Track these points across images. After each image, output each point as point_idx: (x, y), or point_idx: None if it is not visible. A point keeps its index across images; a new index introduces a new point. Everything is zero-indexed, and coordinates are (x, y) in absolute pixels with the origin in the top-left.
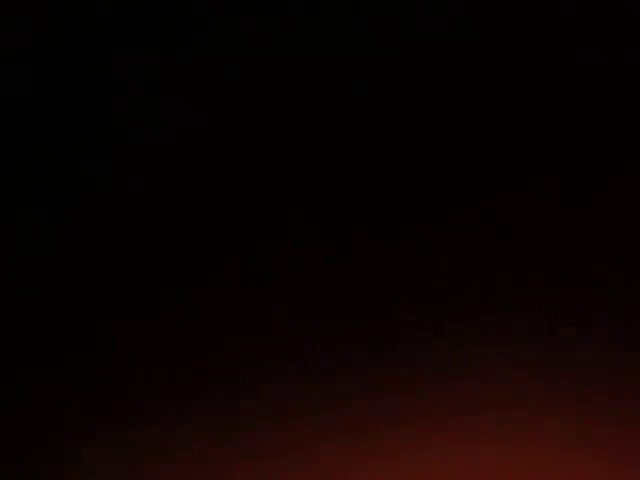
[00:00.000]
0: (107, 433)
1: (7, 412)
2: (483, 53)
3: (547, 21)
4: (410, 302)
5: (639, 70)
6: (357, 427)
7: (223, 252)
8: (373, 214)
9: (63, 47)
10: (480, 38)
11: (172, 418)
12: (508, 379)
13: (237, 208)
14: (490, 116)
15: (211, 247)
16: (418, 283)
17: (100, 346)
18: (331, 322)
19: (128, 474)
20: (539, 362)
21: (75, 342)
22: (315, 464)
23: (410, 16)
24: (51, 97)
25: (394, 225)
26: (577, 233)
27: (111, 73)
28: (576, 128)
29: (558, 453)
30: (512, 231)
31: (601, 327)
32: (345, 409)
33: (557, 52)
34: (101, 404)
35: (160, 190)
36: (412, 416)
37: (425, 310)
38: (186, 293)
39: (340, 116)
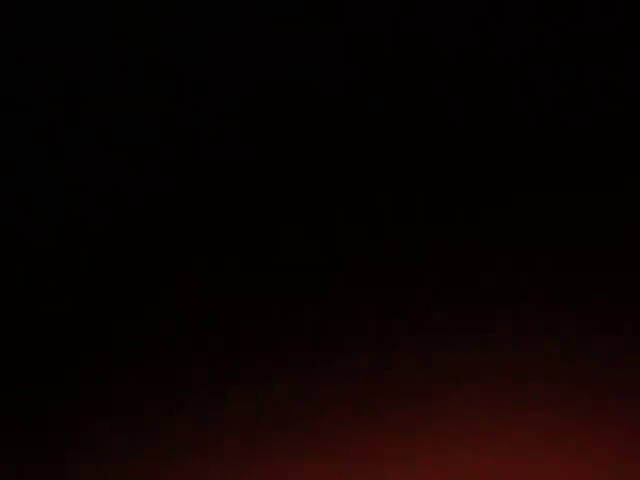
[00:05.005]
0: (107, 433)
1: (7, 413)
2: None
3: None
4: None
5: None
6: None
7: (224, 252)
8: (367, 215)
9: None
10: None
11: (172, 420)
12: (507, 380)
13: (232, 209)
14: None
15: (212, 246)
16: (416, 285)
17: (101, 346)
18: (333, 323)
19: (129, 474)
20: (538, 364)
21: (76, 343)
22: (318, 468)
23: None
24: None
25: (384, 227)
26: (573, 233)
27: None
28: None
29: (558, 455)
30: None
31: (600, 327)
32: (345, 411)
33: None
34: (101, 404)
35: (151, 191)
36: (412, 420)
37: (425, 310)
38: (187, 294)
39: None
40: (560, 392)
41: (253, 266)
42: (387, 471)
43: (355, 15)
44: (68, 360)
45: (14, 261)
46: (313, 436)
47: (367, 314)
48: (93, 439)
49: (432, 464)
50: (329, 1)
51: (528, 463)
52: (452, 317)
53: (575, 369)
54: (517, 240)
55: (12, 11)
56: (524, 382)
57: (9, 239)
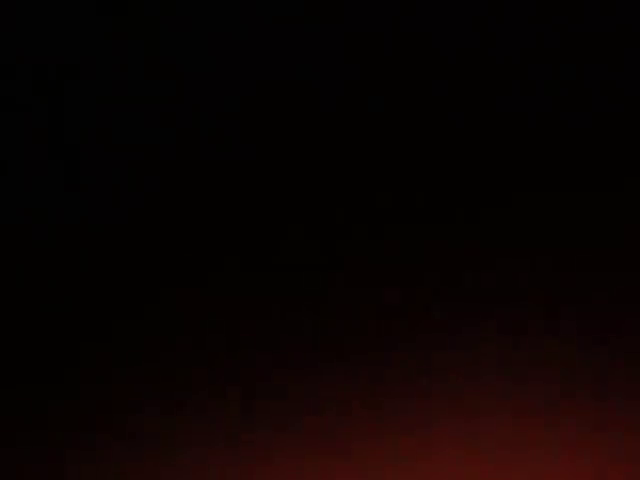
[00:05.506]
0: (107, 433)
1: (7, 413)
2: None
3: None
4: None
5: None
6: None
7: (224, 252)
8: (367, 215)
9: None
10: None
11: (172, 420)
12: (507, 380)
13: (234, 210)
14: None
15: (212, 246)
16: (415, 284)
17: (101, 346)
18: (333, 323)
19: (129, 474)
20: (538, 364)
21: (76, 343)
22: (318, 468)
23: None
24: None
25: (383, 227)
26: (573, 233)
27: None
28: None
29: (558, 455)
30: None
31: (600, 327)
32: (346, 411)
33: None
34: (101, 404)
35: (151, 191)
36: (411, 420)
37: (426, 309)
38: (187, 295)
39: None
40: (560, 392)
41: (253, 266)
42: (387, 471)
43: (355, 15)
44: (68, 360)
45: (14, 261)
46: (313, 436)
47: (367, 314)
48: (93, 439)
49: (432, 464)
50: (329, 1)
51: (528, 463)
52: (452, 317)
53: (575, 369)
54: (517, 240)
55: (12, 11)
56: (524, 382)
57: (9, 239)
